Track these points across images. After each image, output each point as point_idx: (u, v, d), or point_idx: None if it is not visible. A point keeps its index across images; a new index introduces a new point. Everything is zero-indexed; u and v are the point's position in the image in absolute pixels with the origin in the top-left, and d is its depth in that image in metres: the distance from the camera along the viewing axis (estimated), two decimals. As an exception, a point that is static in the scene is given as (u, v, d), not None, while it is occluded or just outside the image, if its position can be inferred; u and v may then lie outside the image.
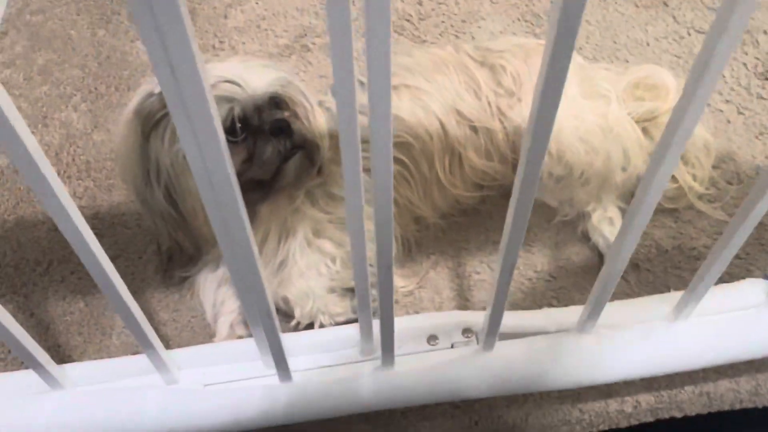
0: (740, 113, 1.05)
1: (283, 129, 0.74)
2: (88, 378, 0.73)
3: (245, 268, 0.53)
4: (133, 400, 0.71)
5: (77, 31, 1.21)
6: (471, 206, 0.95)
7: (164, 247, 0.90)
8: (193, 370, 0.73)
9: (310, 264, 0.80)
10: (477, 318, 0.75)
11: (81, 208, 0.94)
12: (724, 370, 0.81)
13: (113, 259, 0.91)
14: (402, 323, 0.73)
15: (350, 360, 0.73)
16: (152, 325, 0.66)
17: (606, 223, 0.91)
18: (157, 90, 0.72)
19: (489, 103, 0.91)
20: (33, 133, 1.05)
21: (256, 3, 1.26)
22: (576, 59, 0.95)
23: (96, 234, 0.94)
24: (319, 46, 1.19)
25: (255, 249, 0.53)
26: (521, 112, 0.90)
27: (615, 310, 0.73)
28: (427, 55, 0.94)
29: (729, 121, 1.04)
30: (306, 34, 1.21)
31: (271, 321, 0.60)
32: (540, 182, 0.90)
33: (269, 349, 0.65)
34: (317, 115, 0.82)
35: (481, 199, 0.94)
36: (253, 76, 0.75)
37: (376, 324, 0.67)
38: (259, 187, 0.77)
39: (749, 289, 0.79)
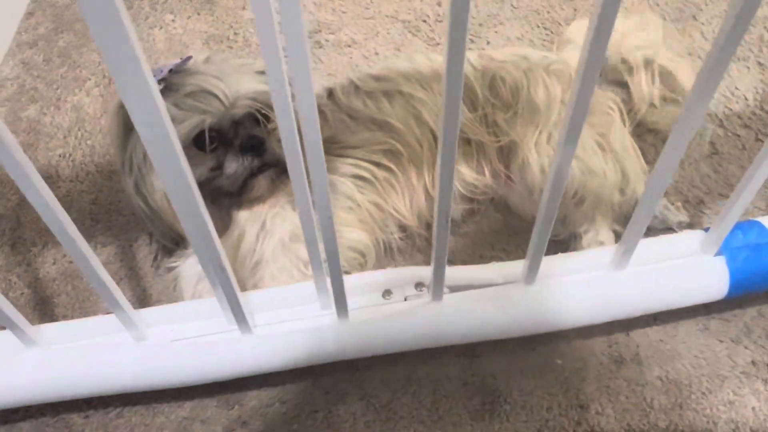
0: (758, 140, 1.00)
1: (254, 147, 0.74)
2: (61, 337, 0.76)
3: (198, 225, 0.57)
4: (104, 356, 0.75)
5: (99, 16, 1.24)
6: (459, 219, 0.93)
7: (154, 238, 0.92)
8: (161, 327, 0.77)
9: (283, 267, 0.81)
10: (429, 273, 0.77)
11: (80, 192, 0.97)
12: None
13: (105, 245, 0.95)
14: (358, 279, 0.78)
15: (309, 314, 0.76)
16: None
17: (596, 247, 0.88)
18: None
19: (485, 115, 0.89)
20: (44, 114, 1.08)
21: (276, -5, 1.26)
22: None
23: (91, 219, 0.97)
24: (332, 43, 1.18)
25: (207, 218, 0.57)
26: (516, 127, 0.87)
27: (558, 262, 0.79)
28: (427, 61, 0.93)
29: (744, 147, 0.99)
30: (320, 30, 1.20)
31: (226, 276, 0.64)
32: (530, 198, 0.90)
33: (228, 304, 0.69)
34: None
35: (470, 211, 0.93)
36: (237, 85, 0.75)
37: (329, 281, 0.70)
38: (233, 195, 0.77)
39: (686, 239, 0.81)
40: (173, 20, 1.23)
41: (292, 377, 0.81)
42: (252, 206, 0.82)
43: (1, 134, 0.51)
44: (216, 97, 0.73)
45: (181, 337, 0.76)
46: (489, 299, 0.77)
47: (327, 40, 1.19)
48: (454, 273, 0.78)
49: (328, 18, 1.22)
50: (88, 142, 1.06)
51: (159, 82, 0.72)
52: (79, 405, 0.80)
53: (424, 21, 1.20)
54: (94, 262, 0.65)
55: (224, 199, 0.78)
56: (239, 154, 0.74)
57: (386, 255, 0.89)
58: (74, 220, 0.96)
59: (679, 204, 0.95)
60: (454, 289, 0.78)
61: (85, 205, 0.98)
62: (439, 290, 0.74)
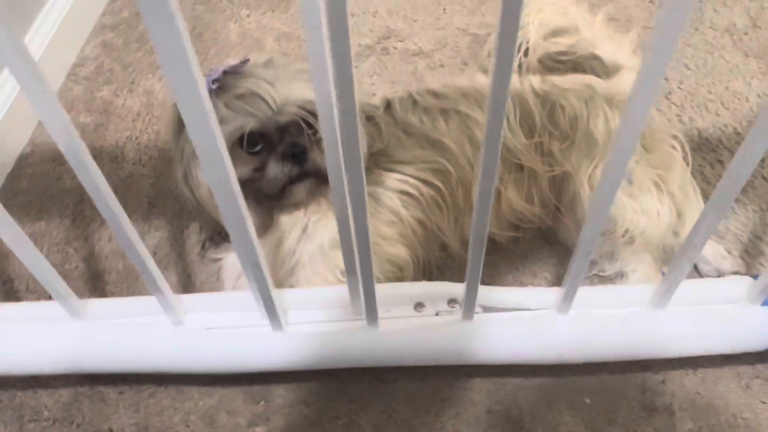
0: (831, 194, 0.95)
1: (296, 154, 0.76)
2: (105, 312, 0.80)
3: (237, 223, 0.59)
4: (141, 335, 0.79)
5: (180, 3, 1.28)
6: (502, 244, 0.92)
7: (204, 229, 0.95)
8: (198, 314, 0.80)
9: (318, 272, 0.82)
10: (462, 290, 0.77)
11: (141, 175, 1.01)
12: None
13: (158, 229, 0.98)
14: (391, 289, 0.79)
15: (340, 318, 0.78)
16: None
17: (641, 288, 0.86)
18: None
19: (541, 143, 0.88)
20: (117, 95, 1.13)
21: (350, -1, 1.27)
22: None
23: (149, 202, 1.02)
24: (399, 50, 1.19)
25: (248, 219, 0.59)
26: (571, 158, 0.86)
27: (595, 294, 0.79)
28: (487, 81, 0.92)
29: None
30: (390, 37, 1.21)
31: (262, 274, 0.67)
32: (579, 232, 0.88)
33: (261, 300, 0.72)
34: None
35: (514, 239, 0.92)
36: (287, 92, 0.76)
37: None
38: (273, 198, 0.79)
39: (732, 285, 0.79)
40: (248, 15, 1.26)
41: (319, 380, 0.83)
42: (294, 210, 0.83)
43: (63, 121, 0.54)
44: (264, 101, 0.75)
45: (216, 326, 0.79)
46: (520, 324, 0.76)
47: (395, 48, 1.19)
48: (488, 293, 0.78)
49: (398, 25, 1.23)
50: (155, 126, 1.10)
51: (213, 82, 0.74)
52: (115, 380, 0.83)
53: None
54: (141, 248, 0.68)
55: (267, 200, 0.80)
56: (281, 159, 0.76)
57: (426, 272, 0.89)
58: (132, 202, 1.02)
59: (737, 253, 0.91)
60: (487, 309, 0.78)
61: (144, 188, 1.02)
62: (471, 309, 0.74)
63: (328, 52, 0.46)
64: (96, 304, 0.80)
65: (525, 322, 0.76)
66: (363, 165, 0.56)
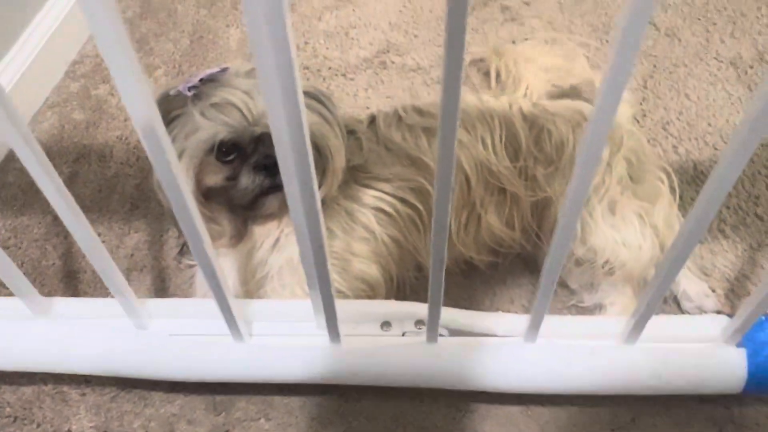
0: None
1: (268, 167, 0.75)
2: (69, 312, 0.80)
3: (192, 234, 0.60)
4: (104, 337, 0.78)
5: (183, 6, 1.29)
6: (480, 269, 0.91)
7: (181, 233, 0.95)
8: (163, 320, 0.79)
9: (286, 285, 0.81)
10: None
11: (127, 176, 1.01)
12: None
13: (138, 230, 0.98)
14: (357, 306, 0.78)
15: (304, 332, 0.77)
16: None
17: (618, 322, 0.83)
18: (172, 92, 0.75)
19: (525, 167, 0.86)
20: (112, 95, 1.14)
21: (353, 10, 1.27)
22: (636, 134, 0.88)
23: (131, 204, 1.01)
24: (397, 65, 1.18)
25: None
26: (554, 184, 0.84)
27: (564, 324, 0.77)
28: (476, 102, 0.91)
29: None
30: (389, 51, 1.20)
31: (218, 282, 0.66)
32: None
33: (221, 311, 0.71)
34: (334, 154, 0.81)
35: (493, 263, 0.90)
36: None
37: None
38: (246, 209, 0.78)
39: (706, 323, 0.77)
40: (250, 21, 1.26)
41: (282, 394, 0.81)
42: (268, 221, 0.82)
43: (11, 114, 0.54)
44: (240, 111, 0.74)
45: (180, 332, 0.78)
46: (486, 350, 0.74)
47: (393, 62, 1.18)
48: (454, 315, 0.77)
49: (399, 39, 1.22)
50: (146, 128, 1.10)
51: (189, 89, 0.73)
52: (78, 381, 0.83)
53: (494, 56, 1.18)
54: (99, 248, 0.67)
55: (240, 209, 0.79)
56: (253, 171, 0.75)
57: (399, 292, 0.87)
58: (115, 202, 1.02)
59: (722, 292, 0.88)
60: (454, 332, 0.76)
61: (129, 189, 1.02)
62: (434, 331, 0.73)
63: (274, 66, 0.45)
64: (60, 303, 0.80)
65: (491, 348, 0.74)
66: (316, 180, 0.55)
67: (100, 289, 0.92)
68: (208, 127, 0.74)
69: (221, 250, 0.84)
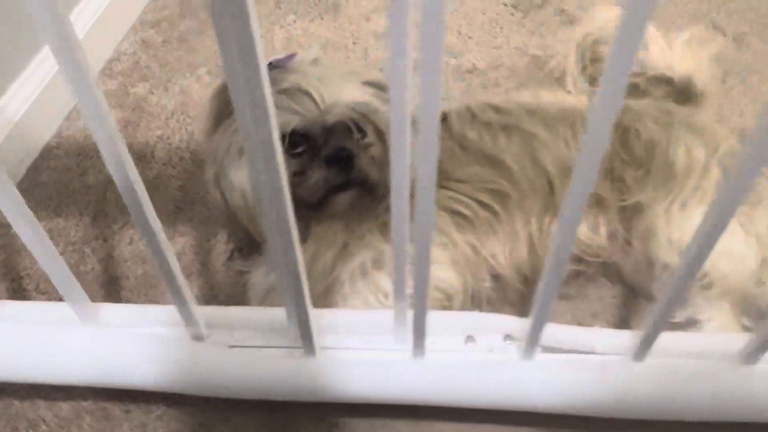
0: None
1: (341, 160, 0.68)
2: (119, 320, 0.73)
3: (281, 229, 0.52)
4: (157, 348, 0.71)
5: (225, 6, 1.23)
6: (569, 275, 0.83)
7: (231, 238, 0.88)
8: (221, 330, 0.72)
9: (356, 293, 0.73)
10: (521, 326, 0.70)
11: (170, 177, 0.94)
12: None
13: (183, 234, 0.91)
14: (440, 317, 0.69)
15: (380, 346, 0.69)
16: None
17: (718, 340, 0.76)
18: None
19: (612, 169, 0.79)
20: (152, 93, 1.07)
21: (403, 11, 1.21)
22: (730, 137, 0.81)
23: (175, 206, 0.94)
24: (452, 67, 1.12)
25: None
26: (646, 188, 0.77)
27: (681, 341, 0.70)
28: (554, 99, 0.84)
29: None
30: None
31: (301, 290, 0.58)
32: (649, 270, 0.79)
33: (296, 320, 0.63)
34: None
35: (576, 273, 0.82)
36: (338, 91, 0.69)
37: (410, 314, 0.64)
38: (312, 208, 0.71)
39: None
40: (294, 21, 1.21)
41: (349, 415, 0.73)
42: (333, 223, 0.75)
43: (102, 110, 0.47)
44: (311, 98, 0.68)
45: (240, 344, 0.71)
46: (588, 369, 0.67)
47: (447, 64, 1.12)
48: (552, 330, 0.68)
49: (452, 41, 1.16)
50: (189, 128, 1.03)
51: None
52: (122, 397, 0.75)
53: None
54: (166, 248, 0.60)
55: (303, 209, 0.71)
56: (324, 165, 0.68)
57: (473, 304, 0.80)
58: (158, 204, 0.93)
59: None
60: (547, 349, 0.68)
61: (171, 190, 0.95)
62: (533, 346, 0.65)
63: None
64: (110, 310, 0.73)
65: (594, 368, 0.66)
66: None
67: (143, 298, 0.85)
68: (277, 115, 0.67)
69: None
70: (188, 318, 0.67)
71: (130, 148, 0.99)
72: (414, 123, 0.80)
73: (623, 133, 0.80)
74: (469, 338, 0.70)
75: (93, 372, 0.71)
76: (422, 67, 0.40)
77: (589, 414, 0.68)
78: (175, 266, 0.62)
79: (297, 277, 0.57)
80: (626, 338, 0.66)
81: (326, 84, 0.70)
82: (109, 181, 0.95)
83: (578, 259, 0.81)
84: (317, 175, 0.69)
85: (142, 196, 0.55)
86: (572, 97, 0.86)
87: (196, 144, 1.01)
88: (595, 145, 0.45)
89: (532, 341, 0.64)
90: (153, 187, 0.95)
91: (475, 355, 0.69)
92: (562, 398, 0.66)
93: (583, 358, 0.67)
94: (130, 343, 0.70)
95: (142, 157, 0.99)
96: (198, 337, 0.70)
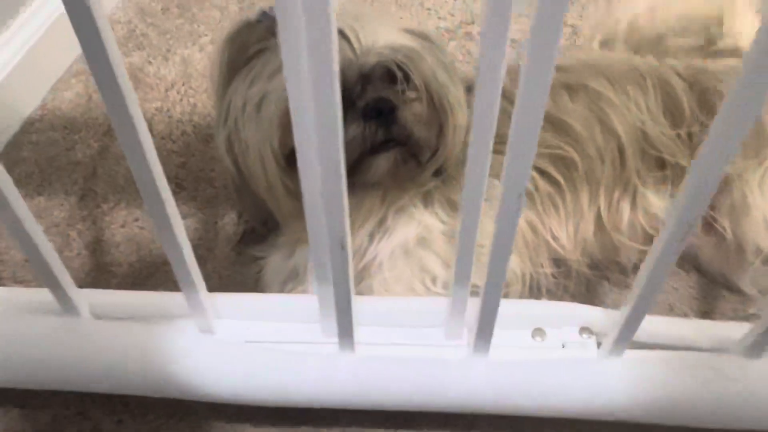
0: None
1: (382, 113, 0.56)
2: (109, 309, 0.60)
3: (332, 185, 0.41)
4: (158, 343, 0.57)
5: (230, -27, 1.11)
6: (629, 266, 0.71)
7: (243, 218, 0.75)
8: (235, 322, 0.60)
9: (400, 277, 0.61)
10: (600, 316, 0.58)
11: (170, 153, 0.82)
12: None
13: (185, 216, 0.79)
14: (501, 306, 0.55)
15: (430, 341, 0.57)
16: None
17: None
18: (253, 18, 0.57)
19: (689, 135, 0.68)
20: (150, 63, 0.95)
21: (425, -20, 1.10)
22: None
23: (176, 185, 0.81)
24: (484, 38, 1.00)
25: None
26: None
27: None
28: (618, 59, 0.73)
29: None
30: (474, 22, 1.03)
31: (345, 265, 0.46)
32: (739, 254, 0.67)
33: (335, 306, 0.50)
34: (455, 106, 0.62)
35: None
36: (377, 34, 0.58)
37: (472, 303, 0.52)
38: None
39: None
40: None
41: (392, 425, 0.61)
42: (369, 193, 0.63)
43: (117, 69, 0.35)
44: (346, 38, 0.56)
45: (258, 338, 0.59)
46: (692, 368, 0.54)
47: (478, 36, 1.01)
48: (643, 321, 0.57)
49: (483, 11, 1.04)
50: (191, 99, 0.91)
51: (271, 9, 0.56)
52: (113, 405, 0.62)
53: (597, 30, 1.01)
54: (176, 222, 0.48)
55: None
56: (362, 118, 0.56)
57: (531, 293, 0.68)
58: (156, 182, 0.82)
59: None
60: (635, 344, 0.56)
61: (172, 167, 0.82)
62: (625, 341, 0.53)
63: None
64: (98, 297, 0.60)
65: (696, 367, 0.54)
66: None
67: (136, 288, 0.72)
68: None
69: (300, 236, 0.64)
70: (196, 307, 0.55)
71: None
72: (470, 88, 0.69)
73: (701, 94, 0.69)
74: (538, 331, 0.58)
75: (77, 373, 0.58)
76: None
77: (692, 424, 0.55)
78: (183, 237, 0.49)
79: (342, 249, 0.45)
80: (739, 331, 0.54)
81: (363, 24, 0.58)
82: (101, 157, 0.83)
83: (651, 239, 0.69)
84: (352, 131, 0.57)
85: (148, 151, 0.43)
86: (637, 57, 0.75)
87: (200, 116, 0.89)
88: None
89: (625, 335, 0.52)
90: (150, 163, 0.82)
91: (545, 352, 0.57)
92: (658, 404, 0.54)
93: (683, 356, 0.55)
94: (121, 337, 0.57)
95: (137, 130, 0.86)
96: (207, 330, 0.58)
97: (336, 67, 0.35)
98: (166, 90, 0.92)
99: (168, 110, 0.89)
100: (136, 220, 0.77)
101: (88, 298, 0.58)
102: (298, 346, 0.57)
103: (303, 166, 0.42)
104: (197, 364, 0.56)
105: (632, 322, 0.50)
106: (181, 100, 0.91)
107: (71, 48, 0.96)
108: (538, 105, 0.36)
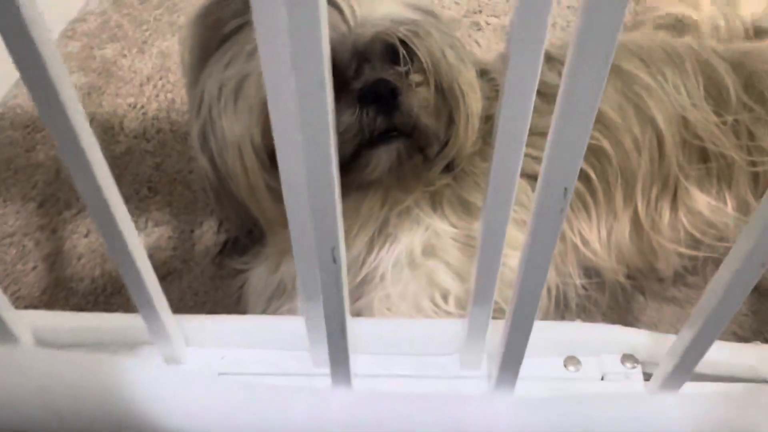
0: None
1: (382, 97, 0.47)
2: (57, 336, 0.51)
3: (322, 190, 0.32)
4: (114, 376, 0.47)
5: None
6: (670, 276, 0.62)
7: (224, 226, 0.66)
8: (206, 350, 0.50)
9: (405, 292, 0.52)
10: (645, 341, 0.48)
11: (143, 153, 0.73)
12: None
13: (159, 224, 0.69)
14: None
15: (442, 373, 0.47)
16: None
17: None
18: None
19: (736, 122, 0.59)
20: (124, 56, 0.86)
21: (428, -33, 1.01)
22: None
23: (149, 188, 0.72)
24: (493, 26, 0.92)
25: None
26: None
27: None
28: (654, 39, 0.64)
29: None
30: (481, 11, 0.94)
31: (338, 283, 0.36)
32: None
33: (325, 332, 0.40)
34: (467, 91, 0.53)
35: (693, 264, 0.61)
36: (374, 3, 0.49)
37: (493, 325, 0.43)
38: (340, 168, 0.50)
39: None
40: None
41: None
42: (367, 193, 0.54)
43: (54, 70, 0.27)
44: (337, 8, 0.47)
45: (234, 370, 0.49)
46: (752, 404, 0.45)
47: (488, 23, 0.92)
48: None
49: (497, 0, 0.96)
50: (169, 95, 0.82)
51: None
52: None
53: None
54: (128, 228, 0.38)
55: None
56: (356, 103, 0.47)
57: (557, 310, 0.58)
58: (127, 186, 0.72)
59: None
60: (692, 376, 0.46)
61: (145, 169, 0.73)
62: (685, 373, 0.43)
63: None
64: (43, 321, 0.50)
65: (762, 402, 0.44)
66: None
67: (102, 306, 0.62)
68: None
69: (287, 246, 0.55)
70: (160, 333, 0.45)
71: (92, 117, 0.78)
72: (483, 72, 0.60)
73: (748, 77, 0.60)
74: (571, 360, 0.48)
75: (19, 408, 0.48)
76: None
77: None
78: (137, 248, 0.40)
79: (334, 262, 0.35)
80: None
81: (359, -7, 0.49)
82: (64, 158, 0.73)
83: (696, 242, 0.60)
84: (346, 119, 0.48)
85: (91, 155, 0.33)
86: (672, 38, 0.66)
87: (178, 113, 0.79)
88: None
89: (685, 365, 0.42)
90: (121, 165, 0.73)
91: (581, 385, 0.47)
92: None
93: (752, 390, 0.45)
94: (75, 368, 0.48)
95: (108, 129, 0.77)
96: (173, 360, 0.48)
97: (326, 47, 0.26)
98: (141, 84, 0.83)
99: (143, 106, 0.80)
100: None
101: (31, 322, 0.48)
102: (282, 379, 0.47)
103: (283, 158, 0.32)
104: (161, 401, 0.46)
105: (695, 350, 0.41)
106: (157, 95, 0.82)
107: (37, 40, 0.87)
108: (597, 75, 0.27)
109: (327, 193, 0.32)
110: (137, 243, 0.39)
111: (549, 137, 0.31)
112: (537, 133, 0.55)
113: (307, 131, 0.29)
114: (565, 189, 0.33)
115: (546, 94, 0.58)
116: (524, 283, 0.36)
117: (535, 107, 0.57)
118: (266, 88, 0.30)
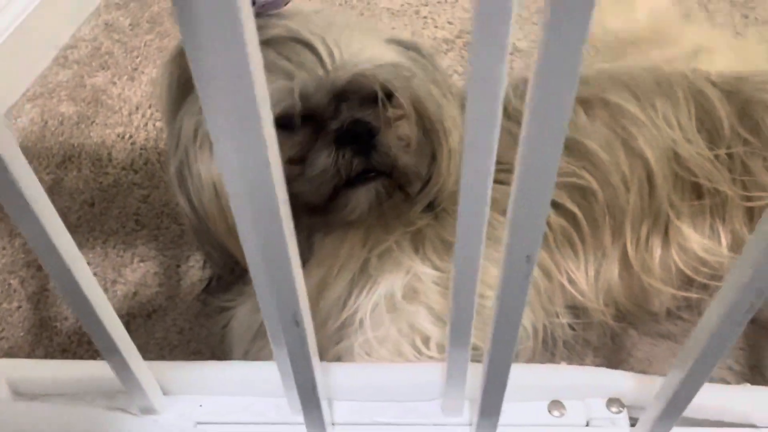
0: None
1: (359, 137, 0.46)
2: (32, 384, 0.49)
3: (273, 250, 0.31)
4: (93, 427, 0.47)
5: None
6: (663, 312, 0.60)
7: (209, 263, 0.65)
8: (183, 398, 0.49)
9: (385, 337, 0.51)
10: (631, 384, 0.47)
11: (131, 185, 0.73)
12: None
13: (144, 259, 0.69)
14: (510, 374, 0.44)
15: (423, 420, 0.46)
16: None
17: None
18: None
19: (730, 156, 0.57)
20: (114, 83, 0.86)
21: (420, -13, 1.00)
22: None
23: (136, 221, 0.71)
24: (486, 47, 0.90)
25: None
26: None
27: None
28: (641, 68, 0.62)
29: None
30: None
31: (302, 337, 0.36)
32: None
33: (294, 381, 0.40)
34: (450, 128, 0.52)
35: (688, 303, 0.60)
36: (354, 46, 0.48)
37: (473, 369, 0.42)
38: (317, 211, 0.49)
39: None
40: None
41: None
42: (347, 234, 0.53)
43: None
44: (313, 51, 0.46)
45: (212, 419, 0.48)
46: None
47: (480, 44, 0.90)
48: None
49: (484, 18, 0.94)
50: (158, 123, 0.81)
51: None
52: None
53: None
54: (87, 281, 0.37)
55: (303, 214, 0.49)
56: (335, 144, 0.46)
57: (544, 349, 0.57)
58: (113, 219, 0.72)
59: None
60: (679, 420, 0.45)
61: (133, 201, 0.73)
62: (672, 418, 0.42)
63: None
64: (19, 369, 0.49)
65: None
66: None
67: (82, 347, 0.62)
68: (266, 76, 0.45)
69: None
70: (129, 381, 0.44)
71: (81, 148, 0.78)
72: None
73: (743, 106, 0.58)
74: (555, 404, 0.47)
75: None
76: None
77: None
78: (107, 310, 0.39)
79: (296, 325, 0.34)
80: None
81: (336, 34, 0.48)
82: (52, 191, 0.73)
83: (688, 281, 0.58)
84: (322, 160, 0.47)
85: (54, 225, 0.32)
86: (665, 64, 0.64)
87: (166, 143, 0.79)
88: None
89: (672, 410, 0.41)
90: (108, 198, 0.73)
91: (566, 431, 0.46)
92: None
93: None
94: (48, 418, 0.47)
95: (96, 160, 0.77)
96: (148, 410, 0.47)
97: (265, 110, 0.25)
98: (130, 113, 0.82)
99: (131, 136, 0.80)
100: (89, 263, 0.67)
101: (6, 374, 0.48)
102: (260, 427, 0.46)
103: (241, 228, 0.31)
104: (133, 455, 0.45)
105: (683, 394, 0.39)
106: (146, 124, 0.81)
107: (28, 72, 0.87)
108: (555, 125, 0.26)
109: (284, 266, 0.31)
110: (99, 294, 0.38)
111: (509, 207, 0.30)
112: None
113: (257, 209, 0.28)
114: (528, 257, 0.32)
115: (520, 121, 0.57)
116: (497, 331, 0.36)
117: (516, 142, 0.55)
118: (217, 164, 0.29)
